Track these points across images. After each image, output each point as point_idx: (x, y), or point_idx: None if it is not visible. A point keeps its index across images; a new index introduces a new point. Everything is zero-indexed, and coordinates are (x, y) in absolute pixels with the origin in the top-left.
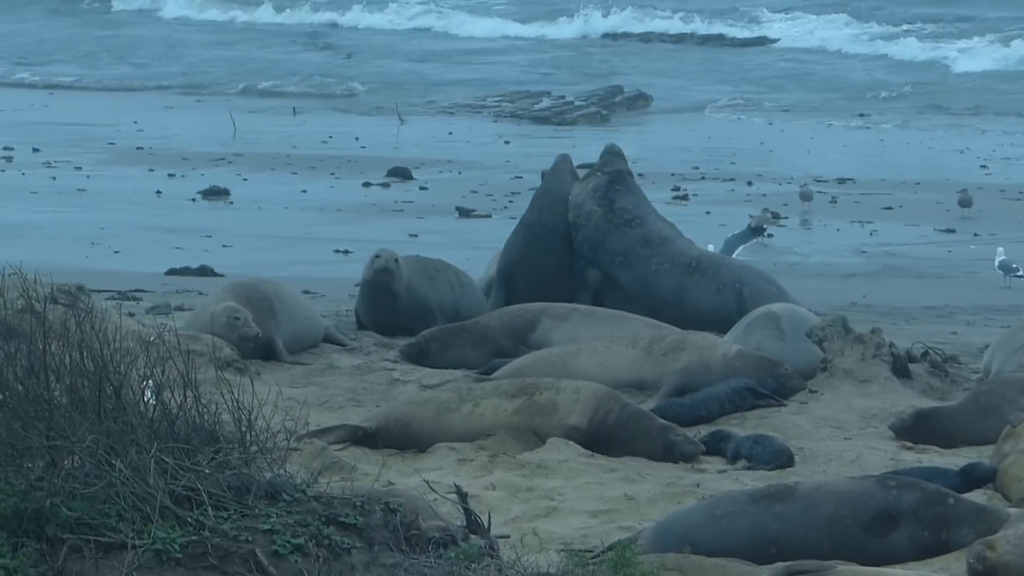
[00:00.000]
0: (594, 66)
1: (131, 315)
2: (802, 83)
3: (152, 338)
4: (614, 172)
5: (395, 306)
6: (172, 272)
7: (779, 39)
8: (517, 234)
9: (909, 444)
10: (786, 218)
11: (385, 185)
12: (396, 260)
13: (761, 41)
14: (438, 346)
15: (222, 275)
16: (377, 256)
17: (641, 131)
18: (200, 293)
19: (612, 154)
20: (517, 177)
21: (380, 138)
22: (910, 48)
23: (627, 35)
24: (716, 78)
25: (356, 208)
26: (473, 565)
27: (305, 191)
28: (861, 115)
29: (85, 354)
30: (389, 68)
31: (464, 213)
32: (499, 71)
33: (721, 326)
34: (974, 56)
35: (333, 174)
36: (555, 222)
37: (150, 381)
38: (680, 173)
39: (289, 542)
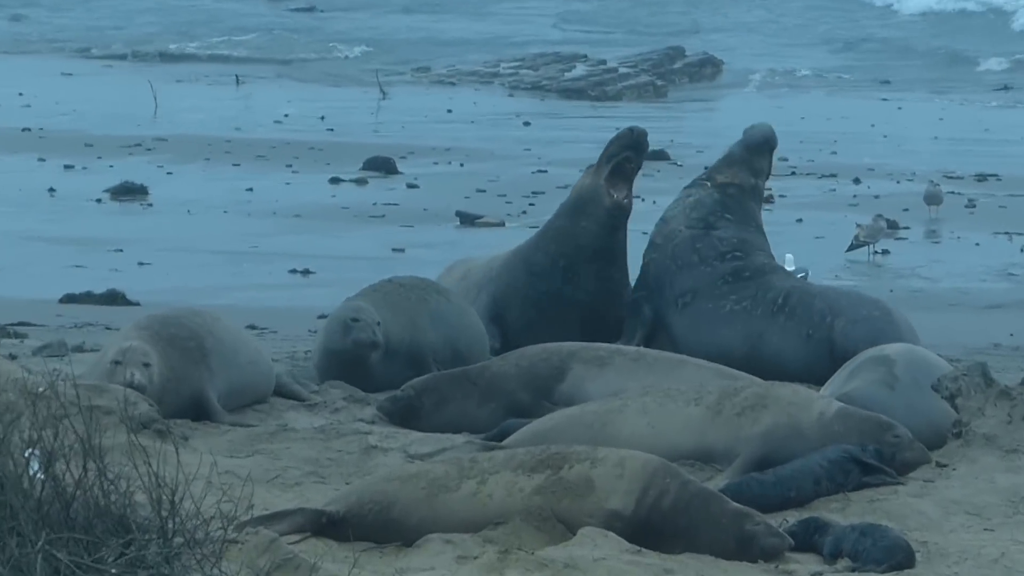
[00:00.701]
0: (646, 19)
1: (12, 357)
2: (930, 52)
3: (41, 389)
4: (733, 186)
5: (374, 375)
6: (69, 299)
7: None
8: (518, 261)
9: None
10: (907, 228)
11: (360, 181)
12: (378, 323)
13: None
14: (433, 401)
15: (136, 303)
16: (355, 320)
17: (708, 109)
18: (108, 328)
19: (752, 150)
20: (540, 171)
21: (355, 117)
22: None
23: None
24: (814, 38)
25: (321, 212)
26: None
27: (251, 189)
28: (1006, 88)
29: None
30: (367, 22)
31: (467, 220)
32: (517, 26)
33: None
34: None
35: (290, 166)
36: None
37: (37, 448)
38: None
39: None
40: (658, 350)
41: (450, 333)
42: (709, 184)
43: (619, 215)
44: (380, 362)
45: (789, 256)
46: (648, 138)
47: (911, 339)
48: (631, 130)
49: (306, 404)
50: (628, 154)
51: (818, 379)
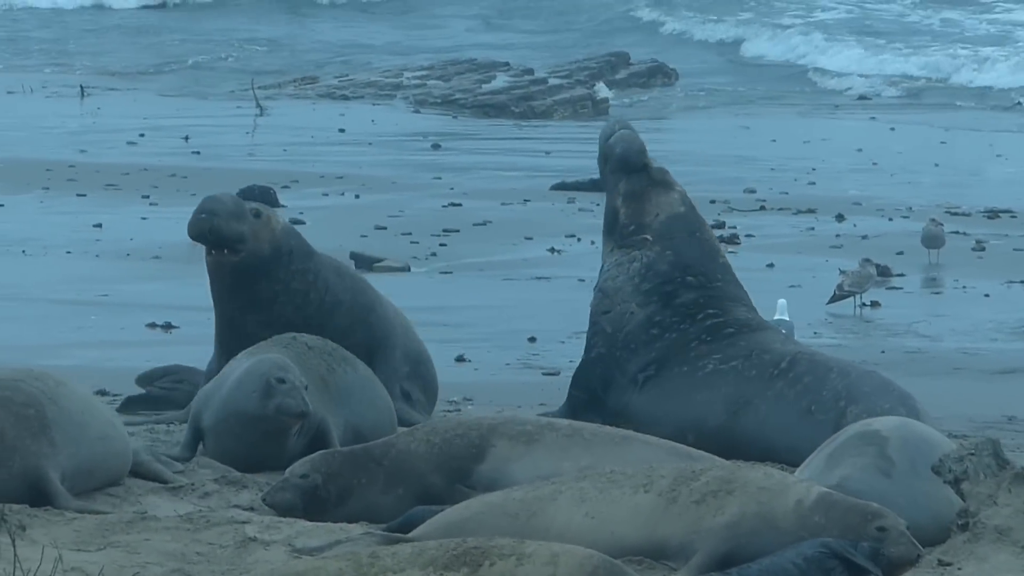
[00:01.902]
0: (585, 15)
1: None
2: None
3: None
4: (675, 221)
5: (284, 452)
6: None
7: None
8: None
9: None
10: (901, 275)
11: None
12: (306, 387)
13: None
14: (339, 487)
15: None
16: (280, 382)
17: (659, 129)
18: None
19: (634, 167)
20: (453, 204)
21: (225, 138)
22: None
23: None
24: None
25: (185, 254)
26: None
27: (100, 225)
28: (1021, 104)
29: None
30: (240, 20)
31: (364, 263)
32: (427, 26)
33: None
34: None
35: (147, 197)
36: None
37: None
38: (725, 199)
39: None
40: (596, 424)
41: (356, 410)
42: (648, 236)
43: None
44: (291, 438)
45: (782, 302)
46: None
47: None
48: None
49: (169, 486)
50: None
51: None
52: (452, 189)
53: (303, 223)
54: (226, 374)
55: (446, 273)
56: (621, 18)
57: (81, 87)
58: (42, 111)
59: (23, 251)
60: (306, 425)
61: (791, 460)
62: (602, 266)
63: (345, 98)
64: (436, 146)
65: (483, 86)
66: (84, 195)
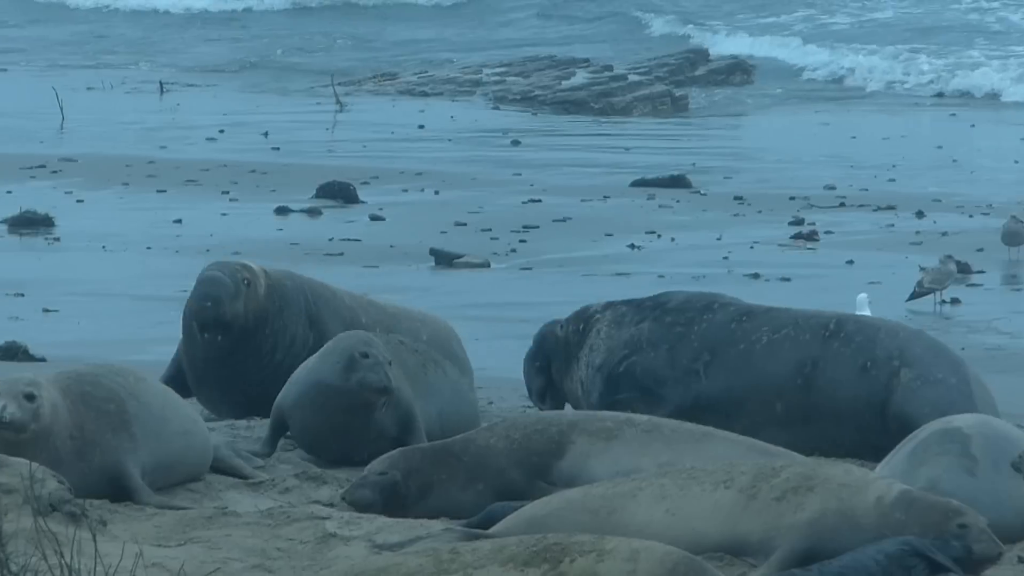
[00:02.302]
0: (663, 14)
1: None
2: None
3: None
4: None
5: (367, 432)
6: None
7: None
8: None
9: None
10: (981, 272)
11: (313, 212)
12: (390, 363)
13: None
14: (419, 484)
15: (41, 359)
16: (364, 356)
17: (738, 126)
18: None
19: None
20: (532, 201)
21: (306, 134)
22: None
23: None
24: (865, 36)
25: (265, 249)
26: None
27: (180, 221)
28: None
29: None
30: (321, 18)
31: (444, 260)
32: (504, 24)
33: (864, 432)
34: None
35: (227, 193)
36: None
37: None
38: (804, 196)
39: None
40: (676, 420)
41: (445, 409)
42: (597, 316)
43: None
44: (376, 417)
45: (862, 297)
46: None
47: (988, 408)
48: None
49: (250, 482)
50: None
51: (869, 432)
52: (532, 185)
53: (383, 219)
54: (308, 362)
55: (526, 269)
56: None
57: (161, 83)
58: (122, 107)
59: (103, 247)
60: (389, 403)
61: (852, 412)
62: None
63: (424, 95)
64: (516, 142)
65: (562, 82)
66: (164, 191)
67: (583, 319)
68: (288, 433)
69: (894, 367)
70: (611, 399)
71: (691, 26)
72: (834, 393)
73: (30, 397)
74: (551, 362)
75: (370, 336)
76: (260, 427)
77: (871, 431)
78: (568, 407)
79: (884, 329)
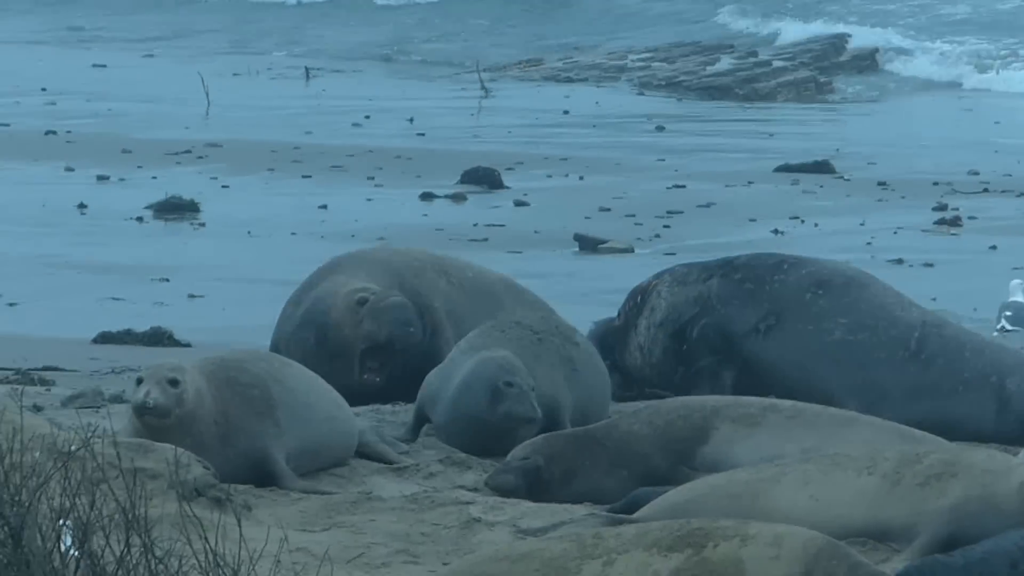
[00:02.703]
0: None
1: (37, 409)
2: None
3: (74, 448)
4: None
5: (517, 442)
6: (105, 339)
7: None
8: None
9: None
10: None
11: (458, 197)
12: (533, 389)
13: None
14: (562, 470)
15: (186, 344)
16: (509, 385)
17: (881, 112)
18: None
19: None
20: (676, 187)
21: (451, 119)
22: None
23: None
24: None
25: (410, 234)
26: None
27: (325, 206)
28: None
29: None
30: (464, 5)
31: (588, 245)
32: (645, 9)
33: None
34: None
35: (372, 179)
36: None
37: (69, 519)
38: (948, 181)
39: None
40: (819, 406)
41: (585, 391)
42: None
43: None
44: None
45: (1016, 283)
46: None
47: None
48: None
49: (394, 467)
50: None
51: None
52: (676, 171)
53: (527, 204)
54: (450, 368)
55: (670, 254)
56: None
57: (307, 69)
58: (267, 93)
59: (248, 232)
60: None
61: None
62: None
63: (569, 80)
64: (660, 128)
65: (707, 68)
66: (309, 176)
67: (637, 294)
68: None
69: (995, 384)
70: (684, 359)
71: (823, 19)
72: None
73: (174, 383)
74: (614, 351)
75: (511, 361)
76: (405, 412)
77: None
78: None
79: (969, 346)
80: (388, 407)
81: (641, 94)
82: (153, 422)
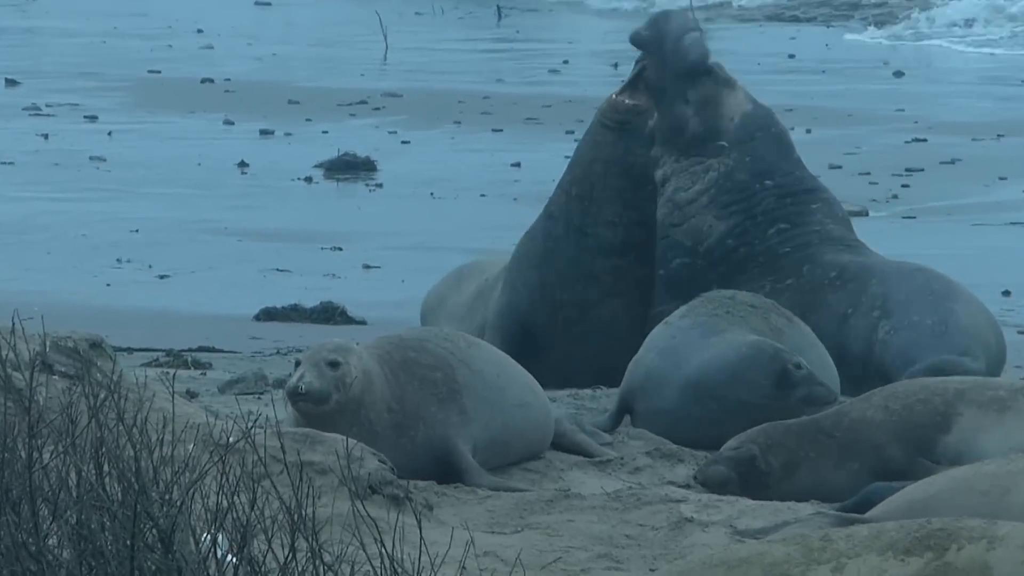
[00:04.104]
0: None
1: (191, 396)
2: None
3: (232, 439)
4: (752, 132)
5: None
6: (268, 316)
7: None
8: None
9: None
10: None
11: None
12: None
13: None
14: (782, 462)
15: (361, 322)
16: (798, 368)
17: None
18: None
19: (720, 85)
20: (916, 140)
21: None
22: None
23: None
24: None
25: None
26: None
27: (518, 164)
28: None
29: (106, 468)
30: None
31: None
32: None
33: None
34: None
35: (571, 132)
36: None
37: (227, 521)
38: None
39: None
40: None
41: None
42: (724, 143)
43: (617, 118)
44: None
45: None
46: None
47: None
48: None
49: (596, 460)
50: (644, 63)
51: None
52: (916, 122)
53: None
54: (674, 347)
55: (908, 218)
56: None
57: (498, 7)
58: (453, 34)
59: (431, 194)
60: None
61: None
62: (662, 176)
63: (796, 19)
64: (899, 73)
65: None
66: (500, 130)
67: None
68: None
69: (874, 319)
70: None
71: None
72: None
73: (334, 364)
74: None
75: (774, 344)
76: (607, 397)
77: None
78: None
79: (879, 274)
80: (587, 391)
81: (875, 35)
82: (309, 409)
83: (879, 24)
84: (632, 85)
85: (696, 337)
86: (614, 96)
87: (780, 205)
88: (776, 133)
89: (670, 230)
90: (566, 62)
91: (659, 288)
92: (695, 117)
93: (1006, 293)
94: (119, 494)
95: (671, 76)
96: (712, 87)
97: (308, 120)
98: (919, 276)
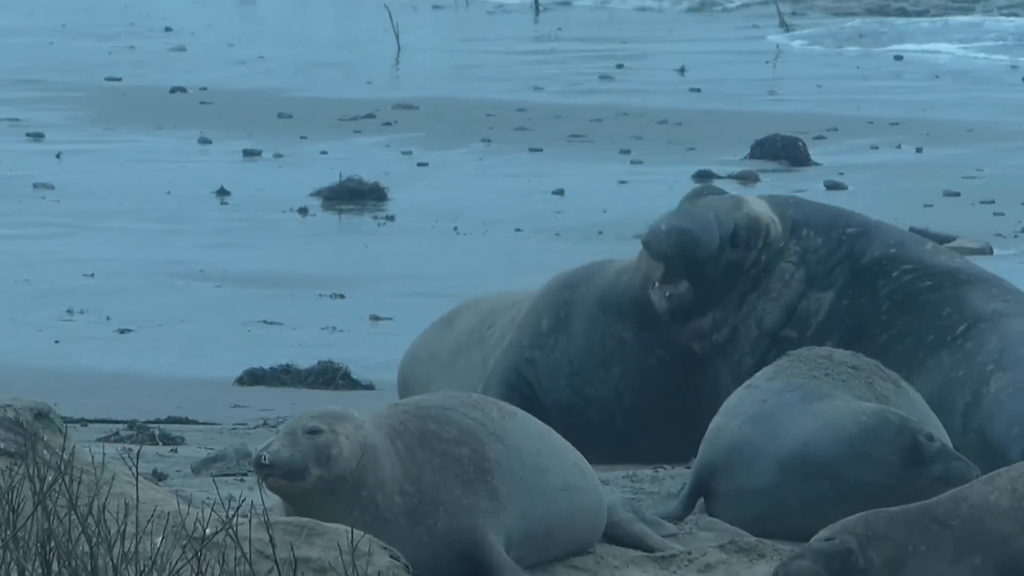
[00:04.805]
0: None
1: (160, 477)
2: None
3: (209, 531)
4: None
5: None
6: (255, 378)
7: None
8: None
9: None
10: None
11: (747, 178)
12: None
13: None
14: (885, 556)
15: (367, 387)
16: (931, 439)
17: None
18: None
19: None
20: None
21: (737, 69)
22: None
23: None
24: None
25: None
26: None
27: (562, 191)
28: None
29: (56, 567)
30: None
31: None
32: None
33: None
34: None
35: (627, 152)
36: None
37: None
38: None
39: None
40: None
41: None
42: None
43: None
44: None
45: None
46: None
47: None
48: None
49: (658, 556)
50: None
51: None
52: None
53: (843, 187)
54: (763, 415)
55: None
56: None
57: (535, 0)
58: (481, 32)
59: (455, 228)
60: None
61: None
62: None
63: (904, 13)
64: None
65: None
66: (539, 150)
67: None
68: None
69: (987, 372)
70: None
71: None
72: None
73: (314, 432)
74: None
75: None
76: (671, 479)
77: None
78: None
79: (1001, 331)
80: (647, 471)
81: (1001, 40)
82: (281, 486)
83: (1009, 15)
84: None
85: (795, 402)
86: (655, 287)
87: (871, 247)
88: (811, 205)
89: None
90: (620, 66)
91: None
92: (750, 259)
93: None
94: None
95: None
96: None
97: (303, 138)
98: None
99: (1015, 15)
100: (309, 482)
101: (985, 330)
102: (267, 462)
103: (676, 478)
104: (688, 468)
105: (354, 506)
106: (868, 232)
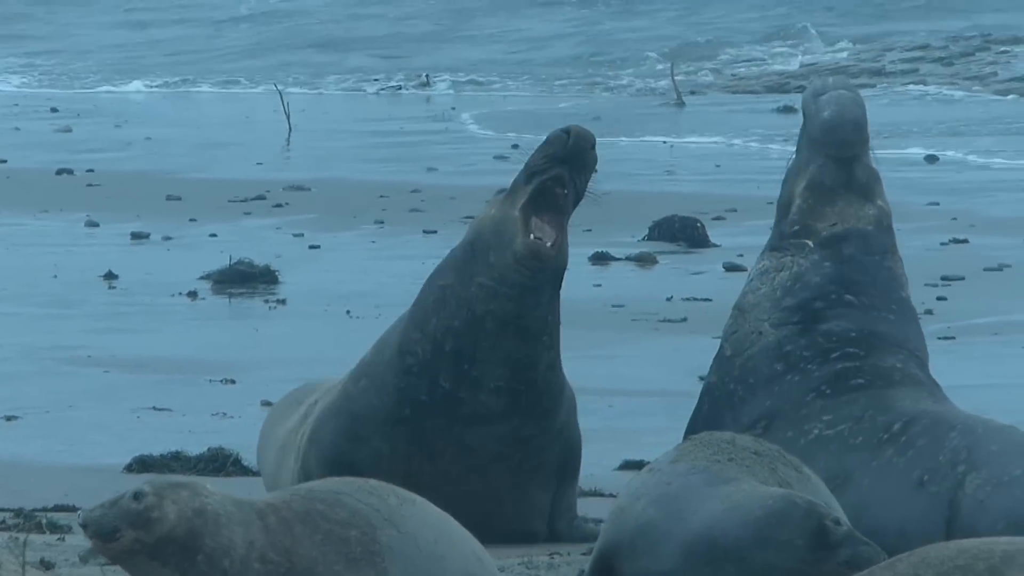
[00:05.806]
0: None
1: (47, 567)
2: None
3: None
4: (853, 236)
5: None
6: (143, 465)
7: None
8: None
9: None
10: None
11: (644, 260)
12: None
13: None
14: None
15: (257, 474)
16: (837, 524)
17: None
18: None
19: (836, 146)
20: (956, 241)
21: (632, 148)
22: None
23: None
24: None
25: (577, 312)
26: None
27: None
28: None
29: None
30: None
31: None
32: None
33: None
34: None
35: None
36: None
37: None
38: None
39: None
40: None
41: None
42: (809, 242)
43: (538, 267)
44: None
45: None
46: (594, 145)
47: None
48: (565, 132)
49: None
50: (559, 171)
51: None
52: (955, 219)
53: (742, 269)
54: (667, 498)
55: (946, 339)
56: None
57: (426, 76)
58: (374, 113)
59: (347, 311)
60: None
61: (900, 545)
62: (748, 274)
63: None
64: (932, 158)
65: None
66: (434, 231)
67: None
68: None
69: (958, 475)
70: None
71: None
72: (864, 512)
73: (138, 496)
74: None
75: (811, 499)
76: (567, 565)
77: None
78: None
79: (960, 427)
80: (544, 558)
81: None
82: (98, 546)
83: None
84: (548, 211)
85: (700, 484)
86: (530, 239)
87: (856, 329)
88: (883, 264)
89: (724, 339)
90: (516, 146)
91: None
92: (799, 199)
93: None
94: None
95: (806, 139)
96: (836, 178)
97: (192, 220)
98: (1012, 429)
99: (923, 84)
100: (123, 544)
101: (931, 425)
102: (81, 522)
103: (572, 564)
104: (585, 555)
105: (188, 571)
106: (857, 315)
